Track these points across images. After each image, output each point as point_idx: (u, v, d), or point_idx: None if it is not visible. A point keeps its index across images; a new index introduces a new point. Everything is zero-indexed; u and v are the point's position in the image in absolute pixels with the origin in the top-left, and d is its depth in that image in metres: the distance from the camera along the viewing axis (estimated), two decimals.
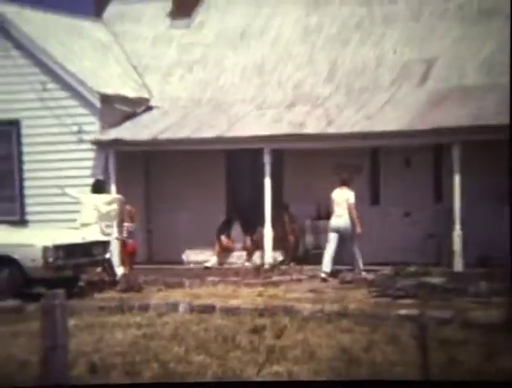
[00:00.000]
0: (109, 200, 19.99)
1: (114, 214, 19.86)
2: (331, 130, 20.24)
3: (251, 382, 7.60)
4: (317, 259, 20.45)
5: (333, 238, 19.43)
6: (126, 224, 19.72)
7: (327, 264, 19.33)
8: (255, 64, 23.56)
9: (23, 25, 22.62)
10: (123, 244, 19.26)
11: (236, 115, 21.84)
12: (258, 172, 20.55)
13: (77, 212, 19.76)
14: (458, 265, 18.80)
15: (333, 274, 19.19)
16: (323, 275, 19.13)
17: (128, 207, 19.63)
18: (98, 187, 19.97)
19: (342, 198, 19.33)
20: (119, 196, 19.81)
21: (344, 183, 19.59)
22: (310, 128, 20.48)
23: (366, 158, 21.31)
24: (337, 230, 19.39)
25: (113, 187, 21.30)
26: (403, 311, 13.98)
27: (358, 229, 19.14)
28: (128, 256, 19.44)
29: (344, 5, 23.79)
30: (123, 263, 19.00)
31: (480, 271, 18.13)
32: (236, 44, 24.29)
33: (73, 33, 24.24)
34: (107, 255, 19.39)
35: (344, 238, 19.39)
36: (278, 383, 7.53)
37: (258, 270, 20.18)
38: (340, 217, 19.35)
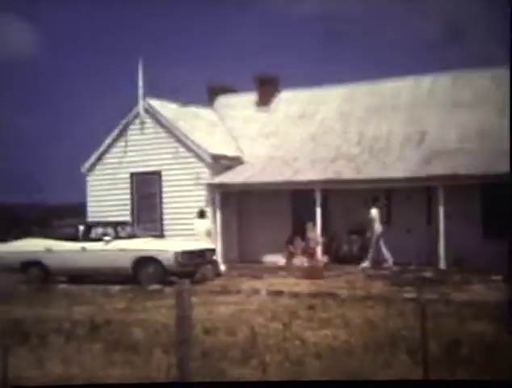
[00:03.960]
0: (210, 222, 20.30)
1: (213, 231, 20.39)
2: (360, 177, 20.09)
3: (252, 382, 7.28)
4: (349, 261, 20.41)
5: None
6: (310, 236, 19.82)
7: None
8: (309, 134, 23.53)
9: (164, 112, 22.96)
10: (306, 247, 19.80)
11: (297, 167, 21.79)
12: (312, 204, 20.44)
13: (193, 230, 20.03)
14: (442, 264, 18.47)
15: (361, 271, 19.10)
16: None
17: (309, 224, 19.75)
18: (202, 214, 20.23)
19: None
20: (310, 224, 19.87)
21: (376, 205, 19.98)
22: (346, 175, 20.37)
23: (381, 195, 21.08)
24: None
25: (218, 214, 21.42)
26: (407, 295, 13.84)
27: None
28: (310, 256, 19.67)
29: (366, 96, 23.72)
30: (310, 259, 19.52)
31: (455, 268, 17.89)
32: (297, 122, 24.30)
33: (195, 116, 24.48)
34: (214, 257, 19.51)
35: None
36: (278, 383, 7.22)
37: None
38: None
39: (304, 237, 21.34)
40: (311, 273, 18.41)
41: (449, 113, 21.72)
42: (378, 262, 19.65)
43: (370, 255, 19.75)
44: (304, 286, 16.47)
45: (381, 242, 19.71)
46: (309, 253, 19.95)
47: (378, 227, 19.77)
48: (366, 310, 12.33)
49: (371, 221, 19.79)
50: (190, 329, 6.28)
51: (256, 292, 15.40)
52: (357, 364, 8.27)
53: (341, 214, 21.49)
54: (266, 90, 25.58)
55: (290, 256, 21.40)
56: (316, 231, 19.98)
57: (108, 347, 9.69)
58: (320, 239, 19.97)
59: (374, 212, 19.78)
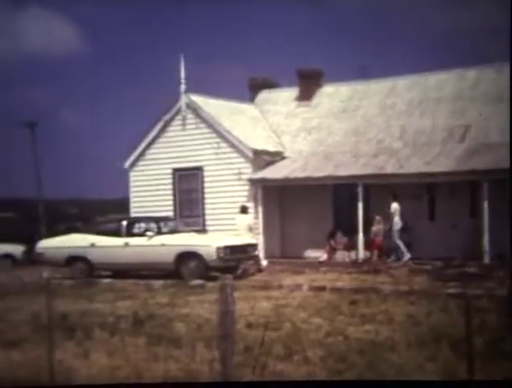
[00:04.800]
0: (252, 218, 20.39)
1: (255, 226, 20.48)
2: (402, 171, 19.95)
3: (253, 382, 7.21)
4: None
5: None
6: (372, 228, 19.95)
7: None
8: (351, 128, 23.40)
9: (206, 108, 23.01)
10: (372, 241, 19.87)
11: (339, 161, 21.70)
12: (353, 198, 20.36)
13: (235, 225, 20.08)
14: (486, 259, 18.25)
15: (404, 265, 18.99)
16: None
17: (377, 217, 19.86)
18: (244, 210, 20.29)
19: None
20: (378, 218, 19.95)
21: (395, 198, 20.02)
22: (388, 170, 20.24)
23: (424, 190, 20.88)
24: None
25: (260, 208, 21.47)
26: (450, 290, 13.67)
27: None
28: (374, 248, 19.83)
29: (409, 91, 23.49)
30: (378, 253, 19.79)
31: (500, 263, 17.61)
32: (339, 117, 24.16)
33: (236, 112, 24.49)
34: (256, 252, 19.54)
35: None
36: (278, 383, 7.15)
37: (354, 263, 19.99)
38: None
39: (345, 232, 21.24)
40: (376, 267, 18.60)
41: (492, 106, 21.41)
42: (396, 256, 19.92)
43: (404, 250, 19.68)
44: (346, 281, 16.41)
45: (398, 237, 19.87)
46: (376, 246, 19.89)
47: (398, 222, 19.85)
48: (409, 306, 12.22)
49: (391, 215, 19.87)
50: (233, 324, 6.31)
51: (298, 287, 15.39)
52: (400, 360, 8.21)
53: (382, 209, 21.29)
54: (309, 85, 25.45)
55: (331, 251, 21.32)
56: (381, 225, 19.92)
57: (151, 341, 9.77)
58: (376, 230, 19.93)
59: (394, 206, 19.80)
